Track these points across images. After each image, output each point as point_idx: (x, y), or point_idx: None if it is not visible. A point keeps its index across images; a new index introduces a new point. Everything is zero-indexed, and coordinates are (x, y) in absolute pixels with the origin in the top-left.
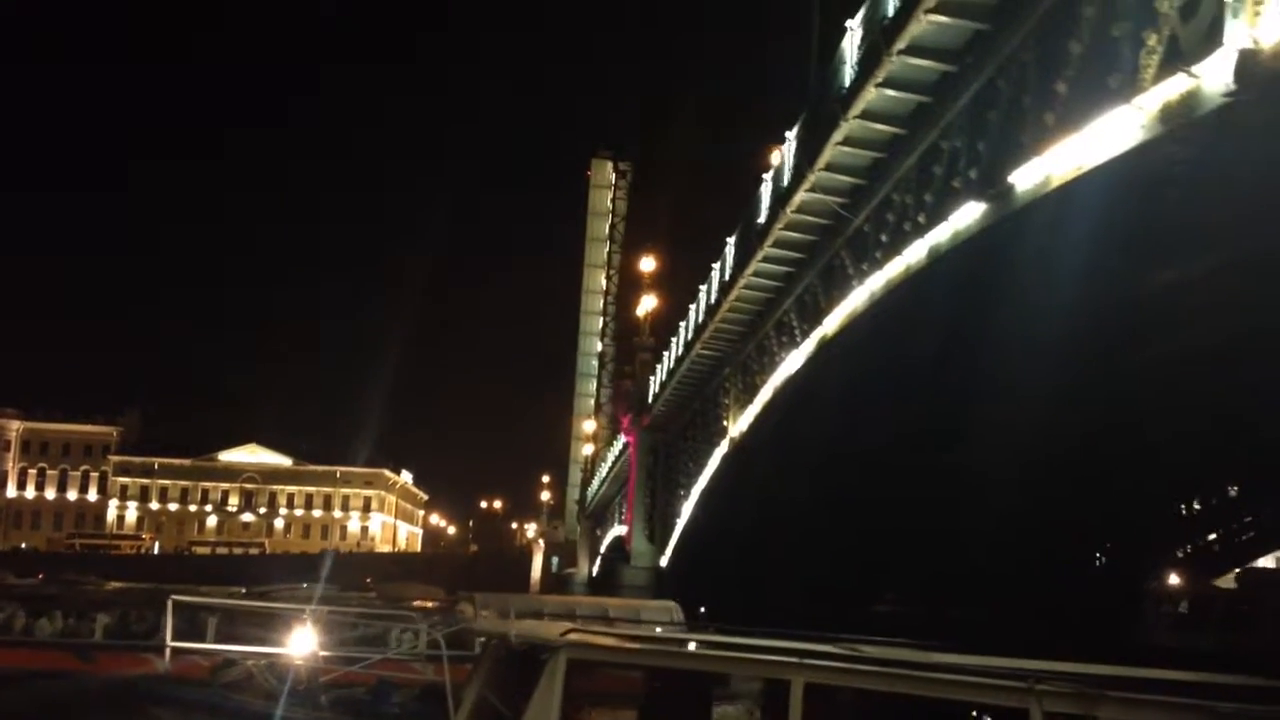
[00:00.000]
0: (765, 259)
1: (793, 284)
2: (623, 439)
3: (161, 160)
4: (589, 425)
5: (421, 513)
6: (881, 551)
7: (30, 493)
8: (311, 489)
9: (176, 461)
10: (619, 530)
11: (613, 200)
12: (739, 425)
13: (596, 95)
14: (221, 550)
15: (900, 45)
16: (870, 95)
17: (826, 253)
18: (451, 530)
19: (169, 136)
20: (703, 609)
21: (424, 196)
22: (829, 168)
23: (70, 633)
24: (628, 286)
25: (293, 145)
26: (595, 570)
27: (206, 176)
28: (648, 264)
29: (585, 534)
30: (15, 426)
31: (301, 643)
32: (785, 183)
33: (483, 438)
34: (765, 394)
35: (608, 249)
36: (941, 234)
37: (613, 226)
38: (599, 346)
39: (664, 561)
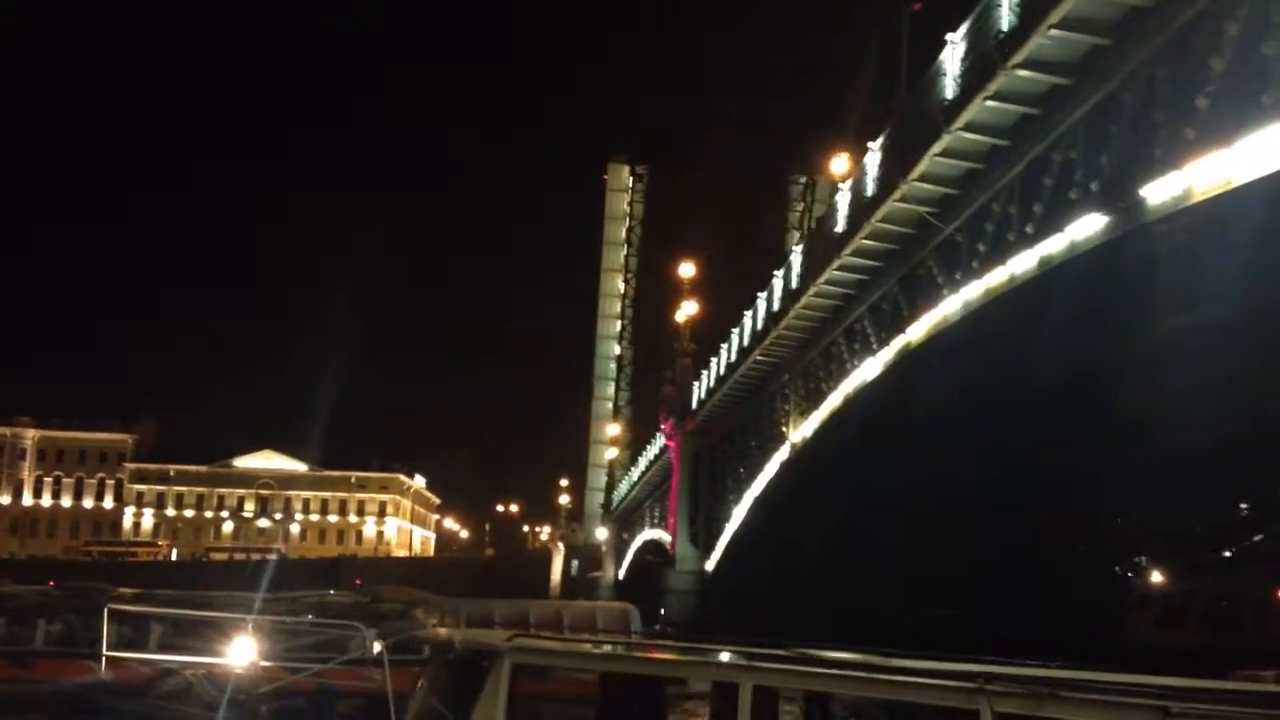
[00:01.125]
0: (841, 267)
1: (867, 291)
2: (660, 442)
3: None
4: (613, 429)
5: (435, 517)
6: (927, 559)
7: (46, 501)
8: (327, 494)
9: (192, 468)
10: (651, 533)
11: (629, 204)
12: (801, 431)
13: (626, 95)
14: (239, 556)
15: (1017, 60)
16: (976, 108)
17: (909, 261)
18: (464, 534)
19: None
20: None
21: (427, 204)
22: (923, 178)
23: (9, 639)
24: (654, 291)
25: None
26: (623, 573)
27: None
28: (687, 269)
29: (611, 537)
30: (31, 435)
31: (241, 652)
32: (870, 192)
33: (497, 441)
34: (834, 400)
35: (625, 252)
36: (1055, 244)
37: (630, 230)
38: (616, 350)
39: (709, 566)
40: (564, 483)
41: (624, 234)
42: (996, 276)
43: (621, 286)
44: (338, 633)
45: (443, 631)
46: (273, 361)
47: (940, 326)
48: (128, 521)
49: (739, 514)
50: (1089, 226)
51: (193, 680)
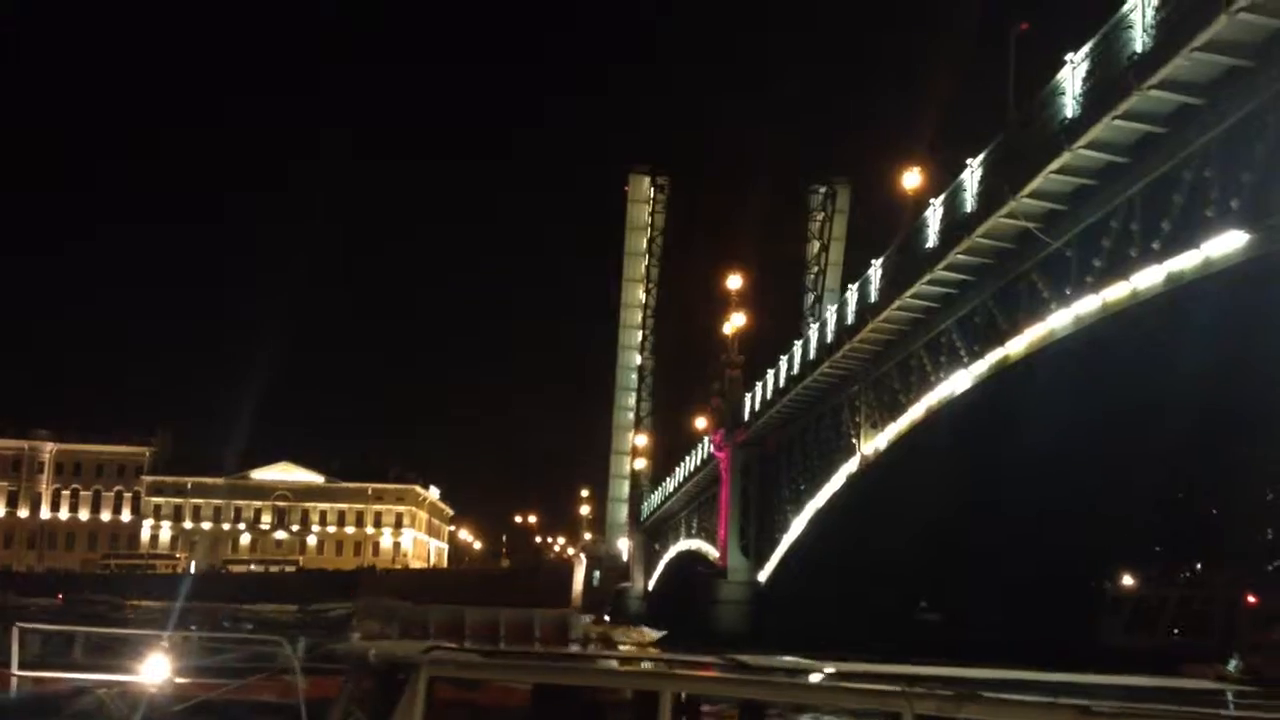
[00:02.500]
0: (931, 281)
1: (954, 305)
2: (701, 454)
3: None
4: (639, 440)
5: (449, 528)
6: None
7: (64, 514)
8: (344, 506)
9: (209, 480)
10: (688, 544)
11: (651, 214)
12: (874, 443)
13: (660, 95)
14: (257, 568)
15: (1153, 81)
16: (1102, 127)
17: (1006, 275)
18: (478, 545)
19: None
20: None
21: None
22: (1034, 194)
23: None
24: (677, 301)
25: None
26: (652, 584)
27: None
28: (734, 282)
29: (639, 547)
30: (48, 448)
31: (155, 669)
32: (969, 208)
33: (515, 452)
34: (914, 412)
35: (646, 263)
36: (1185, 261)
37: (651, 240)
38: (638, 360)
39: (762, 577)
40: (584, 493)
41: (645, 244)
42: (1116, 291)
43: (643, 297)
44: (265, 646)
45: (361, 644)
46: (290, 372)
47: (1046, 340)
48: (145, 534)
49: (798, 525)
50: (1228, 244)
51: (104, 699)
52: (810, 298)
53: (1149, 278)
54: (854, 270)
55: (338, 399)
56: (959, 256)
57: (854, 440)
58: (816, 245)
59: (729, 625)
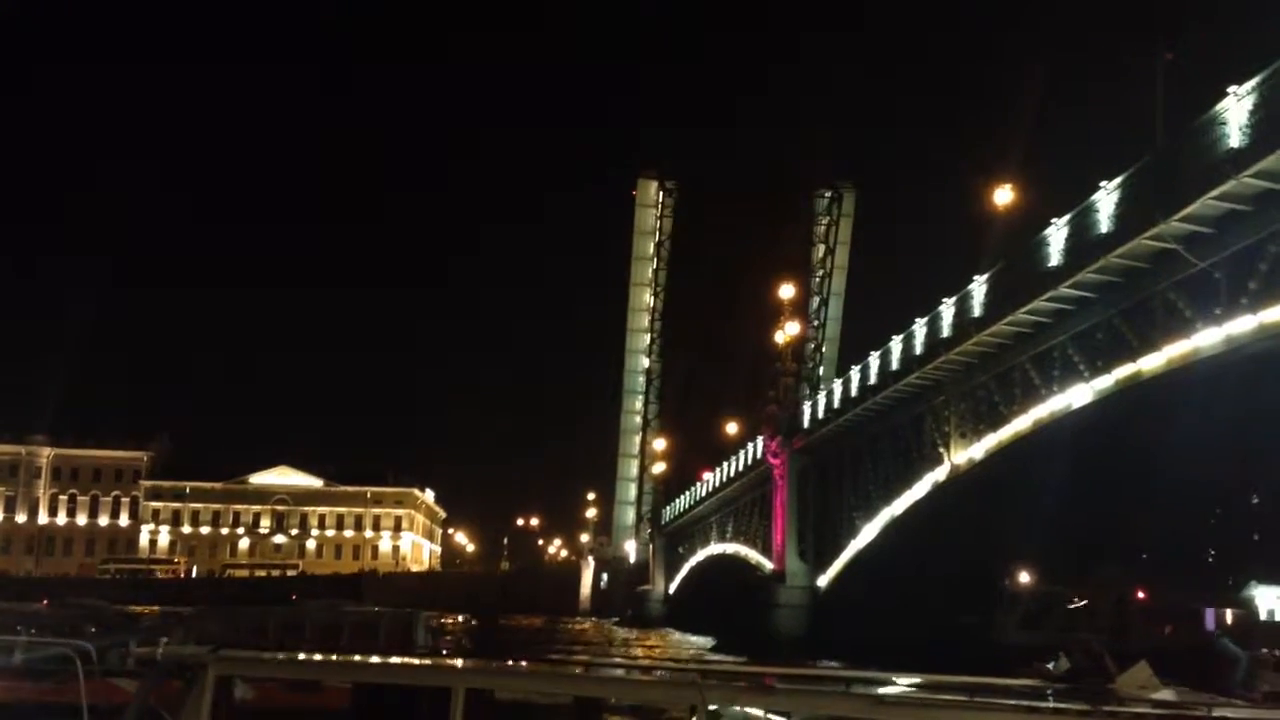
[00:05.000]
0: (1050, 297)
1: (1069, 320)
2: (747, 458)
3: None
4: (659, 443)
5: (440, 531)
6: None
7: (61, 519)
8: (343, 509)
9: (207, 485)
10: (721, 548)
11: (659, 218)
12: (967, 453)
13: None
14: (259, 573)
15: None
16: (1275, 158)
17: (1137, 293)
18: (471, 548)
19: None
20: None
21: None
22: (1187, 219)
23: None
24: (683, 304)
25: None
26: (673, 588)
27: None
28: (786, 291)
29: (659, 551)
30: (46, 453)
31: None
32: (1104, 229)
33: (518, 454)
34: (1019, 424)
35: (653, 267)
36: None
37: (659, 245)
38: (645, 364)
39: (822, 582)
40: (591, 496)
41: (653, 248)
42: (1275, 314)
43: (650, 300)
44: (58, 649)
45: (151, 645)
46: (290, 376)
47: (1190, 358)
48: (144, 539)
49: (870, 531)
50: None
51: None
52: (816, 300)
53: None
54: (854, 274)
55: (335, 402)
56: (1088, 275)
57: (941, 449)
58: (822, 249)
59: (787, 629)
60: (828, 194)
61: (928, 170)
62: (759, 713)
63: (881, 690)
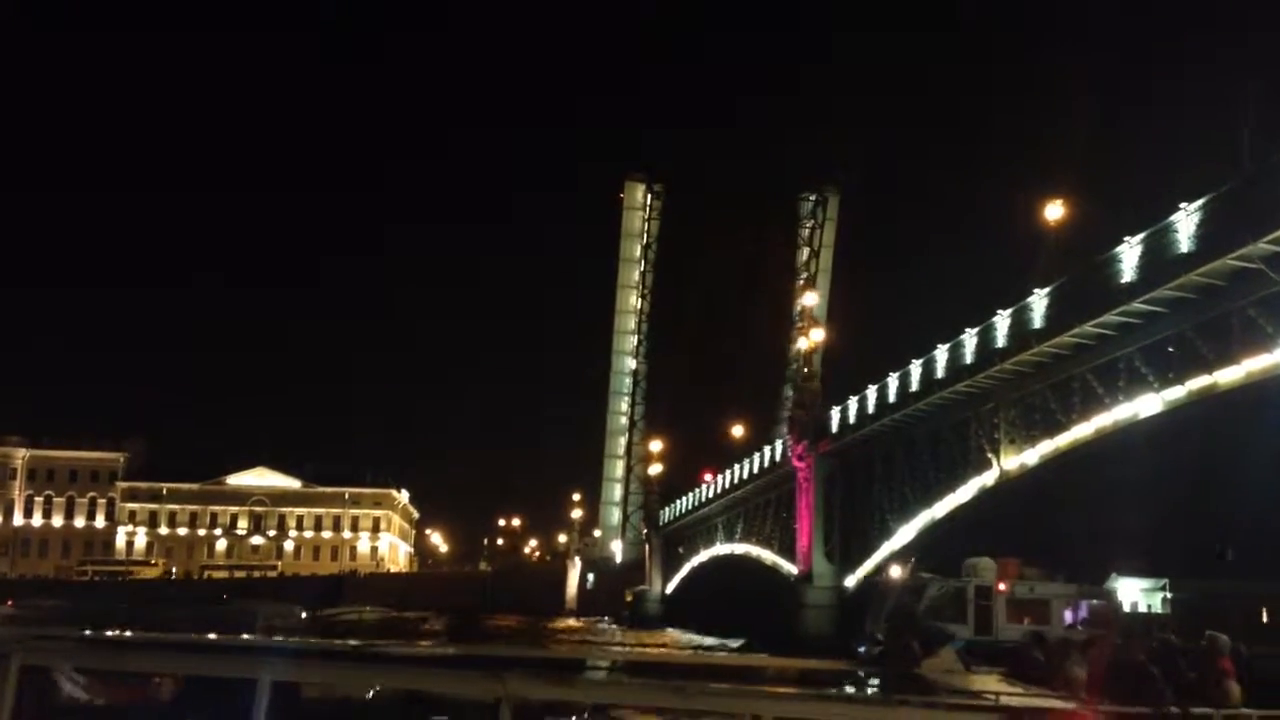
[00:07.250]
0: (1122, 311)
1: (1135, 333)
2: (763, 460)
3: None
4: (655, 445)
5: (413, 531)
6: None
7: (37, 520)
8: (321, 510)
9: (184, 486)
10: (729, 548)
11: (646, 221)
12: (1020, 458)
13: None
14: (239, 574)
15: None
16: None
17: (1213, 309)
18: (445, 549)
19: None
20: None
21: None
22: (1276, 240)
23: None
24: (672, 308)
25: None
26: (670, 588)
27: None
28: (809, 299)
29: (657, 551)
30: (21, 454)
31: None
32: (1184, 248)
33: (490, 455)
34: (1080, 431)
35: (640, 269)
36: None
37: (646, 247)
38: (631, 365)
39: (850, 583)
40: (576, 496)
41: (640, 251)
42: None
43: (637, 302)
44: None
45: None
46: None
47: (1271, 372)
48: (120, 540)
49: (906, 533)
50: None
51: None
52: (799, 303)
53: None
54: (836, 275)
55: (310, 402)
56: (1164, 291)
57: (989, 455)
58: (806, 251)
59: (815, 629)
60: (812, 197)
61: (928, 174)
62: None
63: (686, 682)
